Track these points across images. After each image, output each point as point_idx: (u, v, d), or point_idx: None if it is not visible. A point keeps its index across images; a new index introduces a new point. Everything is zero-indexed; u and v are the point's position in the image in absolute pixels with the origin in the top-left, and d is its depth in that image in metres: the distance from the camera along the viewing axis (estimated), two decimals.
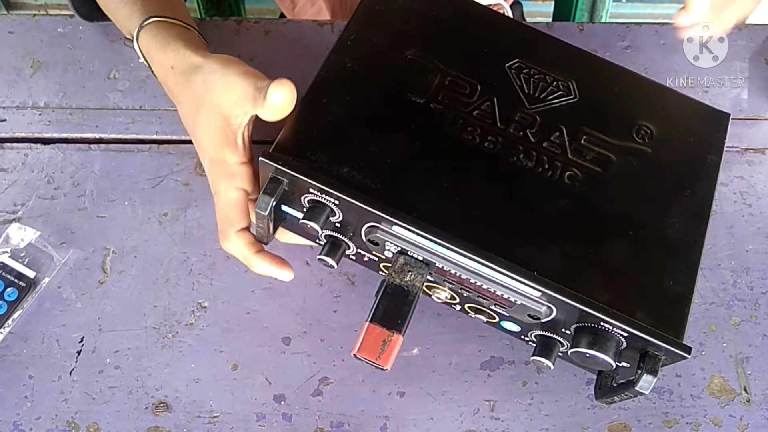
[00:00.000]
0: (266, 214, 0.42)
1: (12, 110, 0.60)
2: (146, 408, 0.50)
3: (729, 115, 0.49)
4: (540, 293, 0.41)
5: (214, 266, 0.54)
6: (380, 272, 0.49)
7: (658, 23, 0.64)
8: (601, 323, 0.40)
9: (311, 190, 0.42)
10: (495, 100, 0.46)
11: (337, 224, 0.44)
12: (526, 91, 0.46)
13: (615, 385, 0.45)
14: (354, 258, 0.48)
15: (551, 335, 0.45)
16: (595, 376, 0.49)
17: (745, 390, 0.51)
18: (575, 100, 0.47)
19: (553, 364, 0.44)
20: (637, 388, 0.40)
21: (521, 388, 0.51)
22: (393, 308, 0.42)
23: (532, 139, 0.45)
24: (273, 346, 0.52)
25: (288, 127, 0.43)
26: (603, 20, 0.91)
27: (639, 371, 0.40)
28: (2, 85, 0.61)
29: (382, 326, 0.41)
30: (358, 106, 0.44)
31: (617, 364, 0.42)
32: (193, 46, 0.49)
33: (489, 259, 0.40)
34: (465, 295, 0.45)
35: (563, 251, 0.42)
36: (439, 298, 0.48)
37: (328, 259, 0.46)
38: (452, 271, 0.42)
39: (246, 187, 0.47)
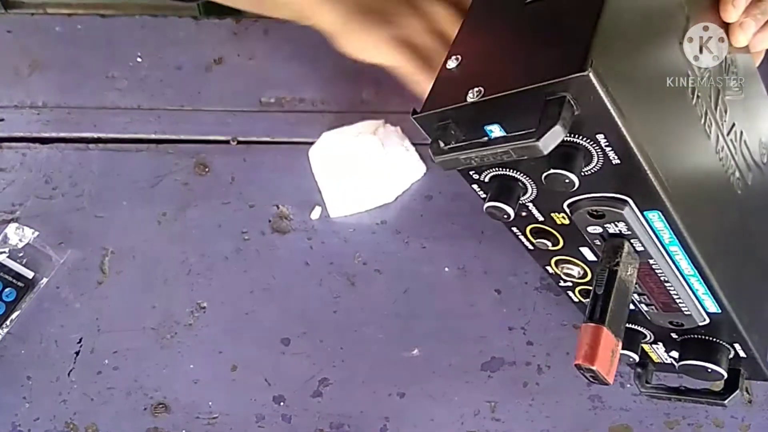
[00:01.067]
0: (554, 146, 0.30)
1: (10, 110, 0.59)
2: (145, 409, 0.50)
3: None
4: (719, 312, 0.38)
5: (213, 267, 0.54)
6: (519, 233, 0.41)
7: None
8: (735, 343, 0.40)
9: (600, 136, 0.31)
10: (711, 75, 0.39)
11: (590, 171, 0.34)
12: (723, 73, 0.40)
13: (683, 387, 0.44)
14: (513, 215, 0.36)
15: (636, 328, 0.43)
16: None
17: (747, 391, 0.51)
18: (742, 96, 0.42)
19: (638, 356, 0.44)
20: (725, 401, 0.41)
21: (522, 389, 0.51)
22: (619, 309, 0.34)
23: (725, 131, 0.40)
24: (272, 346, 0.52)
25: (599, 26, 0.30)
26: None
27: (730, 386, 0.41)
28: (0, 84, 0.60)
29: (613, 332, 0.33)
30: (646, 38, 0.34)
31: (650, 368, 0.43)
32: None
33: (715, 275, 0.36)
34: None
35: (739, 265, 0.39)
36: (568, 275, 0.42)
37: (507, 207, 0.35)
38: (660, 270, 0.37)
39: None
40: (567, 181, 0.32)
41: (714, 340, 0.40)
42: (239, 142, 0.58)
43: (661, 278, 0.38)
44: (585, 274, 0.42)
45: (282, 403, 0.50)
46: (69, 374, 0.51)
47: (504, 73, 0.33)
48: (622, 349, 0.39)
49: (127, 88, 0.60)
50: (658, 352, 0.45)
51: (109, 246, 0.55)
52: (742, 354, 0.40)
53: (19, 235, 0.54)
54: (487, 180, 0.37)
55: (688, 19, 0.38)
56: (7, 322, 0.51)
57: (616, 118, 0.29)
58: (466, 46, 0.37)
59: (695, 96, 0.37)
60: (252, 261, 0.54)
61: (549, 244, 0.40)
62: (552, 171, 0.32)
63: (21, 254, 0.53)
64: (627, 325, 0.40)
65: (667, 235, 0.34)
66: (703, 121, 0.37)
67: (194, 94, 0.60)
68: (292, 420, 0.50)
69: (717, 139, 0.39)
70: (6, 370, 0.51)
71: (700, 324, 0.40)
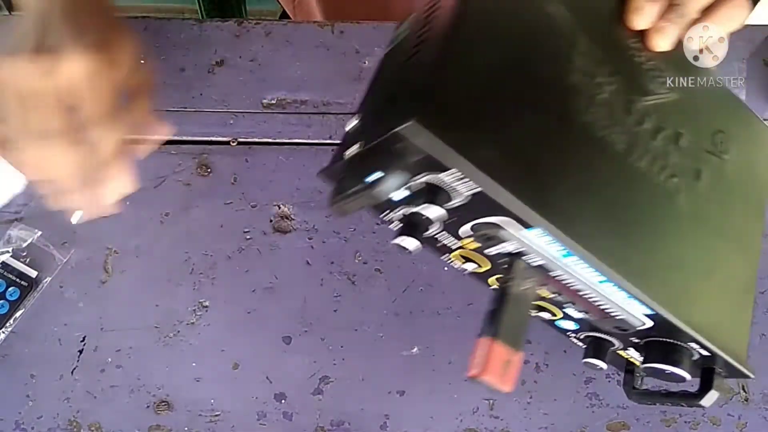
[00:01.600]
0: (396, 189, 0.33)
1: None
2: (148, 407, 0.50)
3: None
4: (653, 313, 0.38)
5: (216, 266, 0.55)
6: (447, 258, 0.43)
7: None
8: (689, 342, 0.39)
9: (450, 171, 0.33)
10: (621, 82, 0.40)
11: (450, 208, 0.36)
12: (642, 78, 0.41)
13: (664, 391, 0.44)
14: (425, 241, 0.40)
15: (605, 336, 0.43)
16: (593, 375, 0.49)
17: (744, 389, 0.51)
18: (676, 97, 0.43)
19: (607, 365, 0.44)
20: (701, 402, 0.40)
21: (520, 387, 0.51)
22: (515, 321, 0.36)
23: (646, 137, 0.40)
24: (274, 345, 0.52)
25: (432, 82, 0.33)
26: None
27: (704, 386, 0.40)
28: None
29: (506, 344, 0.35)
30: (503, 67, 0.35)
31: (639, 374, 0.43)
32: None
33: (628, 279, 0.36)
34: (556, 298, 0.42)
35: (670, 265, 0.39)
36: (494, 285, 0.44)
37: (413, 242, 0.37)
38: (568, 281, 0.38)
39: None
40: (424, 218, 0.36)
41: (672, 341, 0.40)
42: (241, 143, 0.59)
43: (572, 288, 0.38)
44: (543, 289, 0.43)
45: (283, 401, 0.51)
46: (72, 372, 0.51)
47: (372, 128, 0.36)
48: (590, 357, 0.42)
49: None
50: (636, 358, 0.46)
51: (112, 246, 0.55)
52: (703, 353, 0.40)
53: (22, 234, 0.54)
54: (398, 218, 0.40)
55: (575, 37, 0.39)
56: (11, 321, 0.52)
57: (458, 155, 0.32)
58: (362, 104, 0.41)
59: (586, 111, 0.37)
60: (254, 260, 0.55)
61: (477, 266, 0.41)
62: (414, 210, 0.36)
63: (24, 254, 0.54)
64: (594, 334, 0.43)
65: (556, 248, 0.35)
66: (603, 133, 0.38)
67: (196, 95, 0.60)
68: (293, 417, 0.50)
69: (631, 148, 0.39)
70: (10, 368, 0.51)
71: (643, 327, 0.40)
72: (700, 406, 0.40)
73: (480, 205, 0.35)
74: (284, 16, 0.92)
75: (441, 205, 0.35)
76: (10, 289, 0.52)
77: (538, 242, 0.36)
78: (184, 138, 0.59)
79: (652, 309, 0.38)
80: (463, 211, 0.36)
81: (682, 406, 0.42)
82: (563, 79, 0.37)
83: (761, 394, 0.51)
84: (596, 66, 0.39)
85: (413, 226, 0.38)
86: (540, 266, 0.37)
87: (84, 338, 0.52)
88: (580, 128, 0.37)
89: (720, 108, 0.46)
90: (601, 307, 0.39)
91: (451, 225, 0.38)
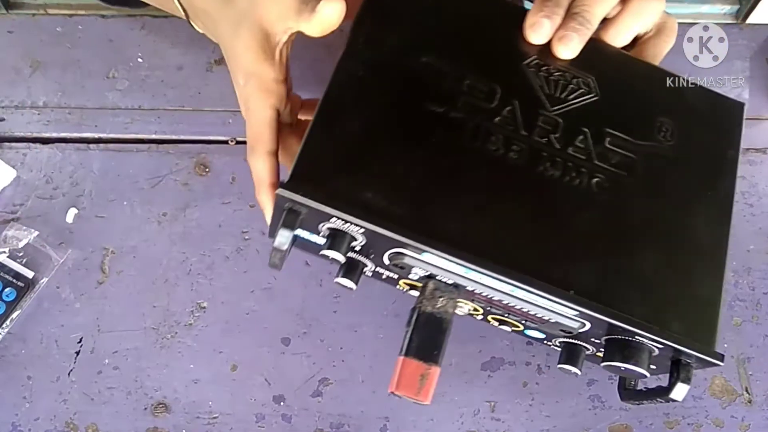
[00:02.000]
0: (285, 248, 0.39)
1: (11, 110, 0.60)
2: (145, 409, 0.50)
3: (744, 104, 0.47)
4: (577, 312, 0.39)
5: (214, 266, 0.54)
6: (399, 287, 0.47)
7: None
8: (636, 336, 0.39)
9: (333, 219, 0.38)
10: (516, 103, 0.42)
11: (358, 248, 0.41)
12: (547, 91, 0.43)
13: (644, 389, 0.44)
14: (371, 275, 0.46)
15: (577, 342, 0.44)
16: (596, 378, 0.48)
17: (747, 391, 0.51)
18: (596, 98, 0.44)
19: (581, 370, 0.44)
20: (671, 396, 0.40)
21: (522, 388, 0.51)
22: (428, 338, 0.39)
23: (556, 146, 0.42)
24: (272, 346, 0.52)
25: (302, 152, 0.39)
26: None
27: (672, 379, 0.40)
28: (1, 84, 0.60)
29: (419, 359, 0.39)
30: (375, 120, 0.41)
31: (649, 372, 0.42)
32: None
33: (525, 282, 0.38)
34: (492, 310, 0.44)
35: (596, 265, 0.40)
36: (461, 312, 0.46)
37: (347, 282, 0.43)
38: (484, 293, 0.41)
39: (279, 107, 0.45)
40: (332, 259, 0.40)
41: (626, 339, 0.40)
42: (239, 143, 0.58)
43: (496, 300, 0.40)
44: (476, 308, 0.45)
45: (282, 403, 0.50)
46: (69, 374, 0.51)
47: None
48: (563, 363, 0.44)
49: (128, 88, 0.60)
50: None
51: (109, 246, 0.55)
52: (658, 346, 0.39)
53: (19, 234, 0.54)
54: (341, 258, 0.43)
55: (458, 76, 0.42)
56: (7, 322, 0.51)
57: (327, 206, 0.37)
58: None
59: (476, 138, 0.41)
60: (252, 261, 0.54)
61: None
62: (323, 253, 0.40)
63: (21, 254, 0.54)
64: (569, 340, 0.44)
65: (456, 266, 0.38)
66: (499, 153, 0.41)
67: (195, 94, 0.60)
68: (292, 420, 0.50)
69: (537, 159, 0.41)
70: (6, 369, 0.51)
71: (585, 329, 0.41)
72: (673, 400, 0.40)
73: (376, 240, 0.39)
74: None
75: (340, 249, 0.39)
76: (6, 289, 0.52)
77: (437, 263, 0.39)
78: (182, 137, 0.59)
79: (575, 307, 0.38)
80: (371, 248, 0.41)
81: (660, 402, 0.42)
82: (447, 115, 0.41)
83: (765, 395, 0.51)
84: (486, 96, 0.42)
85: (350, 266, 0.43)
86: (455, 284, 0.40)
87: (81, 339, 0.52)
88: (470, 154, 0.41)
89: (664, 95, 0.46)
90: (530, 312, 0.41)
91: (377, 260, 0.42)
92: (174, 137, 0.59)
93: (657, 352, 0.40)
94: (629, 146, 0.43)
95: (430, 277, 0.41)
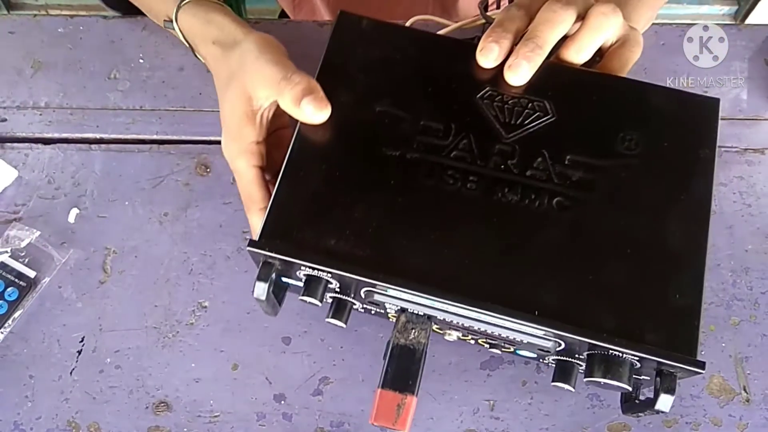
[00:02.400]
0: (264, 299, 0.42)
1: (12, 110, 0.60)
2: (147, 407, 0.50)
3: (718, 100, 0.46)
4: (543, 332, 0.40)
5: (215, 266, 0.54)
6: (390, 320, 0.48)
7: (658, 23, 0.64)
8: (611, 351, 0.40)
9: (303, 268, 0.42)
10: (471, 137, 0.44)
11: (337, 290, 0.44)
12: (502, 120, 0.45)
13: (638, 401, 0.44)
14: (362, 311, 0.48)
15: (568, 359, 0.44)
16: None
17: (745, 390, 0.51)
18: (553, 119, 0.45)
19: (574, 387, 0.44)
20: (656, 407, 0.40)
21: (521, 387, 0.51)
22: (402, 369, 0.41)
23: (514, 171, 0.43)
24: (273, 345, 0.52)
25: (270, 209, 0.42)
26: None
27: (656, 391, 0.40)
28: (3, 85, 0.61)
29: (395, 390, 0.41)
30: (336, 172, 0.43)
31: (635, 385, 0.42)
32: (235, 22, 0.51)
33: (487, 309, 0.39)
34: (474, 336, 0.45)
35: (562, 283, 0.41)
36: (451, 338, 0.47)
37: (337, 322, 0.45)
38: (455, 322, 0.42)
39: (261, 164, 0.48)
40: (310, 302, 0.43)
41: (603, 354, 0.40)
42: None
43: (469, 326, 0.42)
44: (465, 333, 0.46)
45: (283, 402, 0.50)
46: (71, 373, 0.51)
47: None
48: (556, 381, 0.44)
49: (129, 89, 0.61)
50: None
51: (111, 246, 0.55)
52: (634, 359, 0.40)
53: (21, 234, 0.54)
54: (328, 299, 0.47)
55: (412, 120, 0.45)
56: (10, 322, 0.52)
57: (298, 261, 0.41)
58: None
59: (431, 176, 0.43)
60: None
61: None
62: (302, 298, 0.43)
63: (23, 254, 0.54)
64: (560, 358, 0.44)
65: (421, 299, 0.40)
66: (454, 187, 0.43)
67: (195, 95, 0.60)
68: (292, 418, 0.50)
69: (494, 187, 0.43)
70: (8, 369, 0.51)
71: (561, 347, 0.41)
72: (659, 411, 0.40)
73: (346, 282, 0.42)
74: (283, 15, 0.92)
75: (316, 295, 0.43)
76: (8, 289, 0.52)
77: (404, 297, 0.41)
78: (183, 138, 0.59)
79: (540, 327, 0.39)
80: (348, 289, 0.43)
81: (650, 413, 0.42)
82: (403, 157, 0.43)
83: (763, 394, 0.51)
84: (441, 134, 0.44)
85: (339, 306, 0.45)
86: (427, 315, 0.43)
87: (83, 339, 0.52)
88: (427, 191, 0.43)
89: (627, 105, 0.46)
90: (503, 335, 0.42)
91: (359, 299, 0.44)
92: (175, 137, 0.59)
93: (639, 365, 0.40)
94: (591, 163, 0.44)
95: (403, 310, 0.43)
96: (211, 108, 0.60)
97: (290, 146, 0.44)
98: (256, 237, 0.44)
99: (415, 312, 0.43)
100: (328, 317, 0.46)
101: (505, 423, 0.50)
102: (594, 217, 0.43)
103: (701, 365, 0.39)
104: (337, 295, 0.45)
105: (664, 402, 0.40)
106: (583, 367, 0.44)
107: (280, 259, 0.41)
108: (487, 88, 0.45)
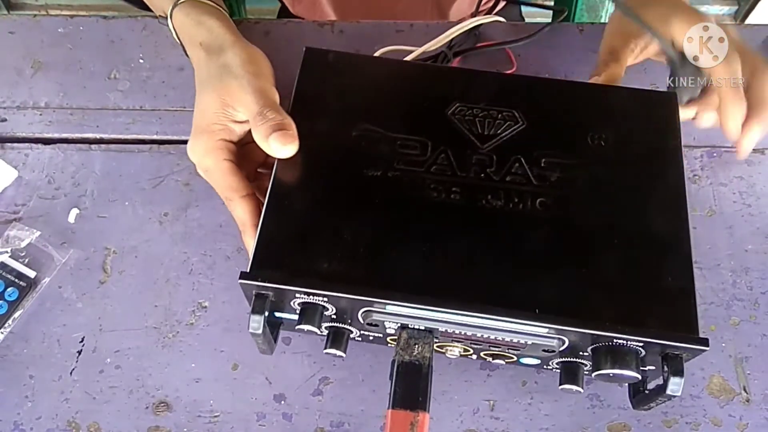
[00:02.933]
0: (260, 332, 0.42)
1: (13, 110, 0.60)
2: (147, 408, 0.50)
3: (675, 94, 0.50)
4: (547, 329, 0.40)
5: (215, 266, 0.54)
6: (388, 345, 0.48)
7: None
8: (615, 340, 0.40)
9: (297, 294, 0.41)
10: (449, 150, 0.46)
11: (333, 316, 0.44)
12: (475, 132, 0.47)
13: (647, 391, 0.44)
14: (360, 339, 0.48)
15: (572, 359, 0.44)
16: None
17: (745, 390, 0.51)
18: (524, 126, 0.47)
19: (583, 388, 0.44)
20: (668, 392, 0.40)
21: (521, 387, 0.51)
22: (411, 387, 0.41)
23: (494, 178, 0.45)
24: None
25: (258, 240, 0.42)
26: (603, 21, 0.91)
27: (665, 375, 0.40)
28: (3, 85, 0.61)
29: (406, 409, 0.40)
30: (321, 197, 0.44)
31: (643, 372, 0.42)
32: (225, 27, 0.51)
33: (488, 312, 0.40)
34: (476, 347, 0.45)
35: (557, 280, 0.42)
36: (453, 355, 0.47)
37: (335, 351, 0.45)
38: (457, 332, 0.42)
39: (232, 159, 0.49)
40: (308, 330, 0.43)
41: (608, 345, 0.41)
42: None
43: (470, 335, 0.42)
44: (466, 348, 0.46)
45: (283, 402, 0.50)
46: (71, 373, 0.51)
47: None
48: (564, 383, 0.45)
49: (129, 89, 0.61)
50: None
51: (111, 246, 0.55)
52: (639, 345, 0.40)
53: (21, 234, 0.54)
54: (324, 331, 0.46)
55: (389, 140, 0.46)
56: (10, 322, 0.52)
57: (291, 288, 0.41)
58: None
59: (414, 189, 0.44)
60: None
61: None
62: (297, 327, 0.43)
63: (23, 254, 0.54)
64: (564, 360, 0.44)
65: (420, 311, 0.41)
66: (439, 199, 0.44)
67: (195, 95, 0.60)
68: (292, 418, 0.50)
69: (477, 195, 0.44)
70: (8, 369, 0.51)
71: (565, 346, 0.42)
72: (671, 396, 0.40)
73: (343, 305, 0.42)
74: (282, 13, 0.92)
75: (313, 322, 0.42)
76: (8, 289, 0.52)
77: (403, 312, 0.41)
78: (183, 138, 0.59)
79: (543, 325, 0.40)
80: (344, 314, 0.43)
81: (663, 401, 0.43)
82: (385, 176, 0.44)
83: (763, 394, 0.51)
84: (419, 151, 0.46)
85: (336, 335, 0.45)
86: (428, 329, 0.42)
87: (83, 339, 0.52)
88: (412, 205, 0.44)
89: (593, 107, 0.49)
90: (507, 340, 0.42)
91: (356, 324, 0.44)
92: (175, 138, 0.59)
93: (644, 352, 0.41)
94: (566, 163, 0.46)
95: (403, 327, 0.43)
96: None
97: (272, 176, 0.45)
98: (245, 227, 0.45)
99: (416, 327, 0.43)
100: (326, 348, 0.45)
101: (505, 423, 0.50)
102: (578, 212, 0.44)
103: (705, 342, 0.39)
104: (333, 324, 0.45)
105: (675, 385, 0.40)
106: (588, 366, 0.44)
107: (274, 288, 0.41)
108: (456, 104, 0.48)
